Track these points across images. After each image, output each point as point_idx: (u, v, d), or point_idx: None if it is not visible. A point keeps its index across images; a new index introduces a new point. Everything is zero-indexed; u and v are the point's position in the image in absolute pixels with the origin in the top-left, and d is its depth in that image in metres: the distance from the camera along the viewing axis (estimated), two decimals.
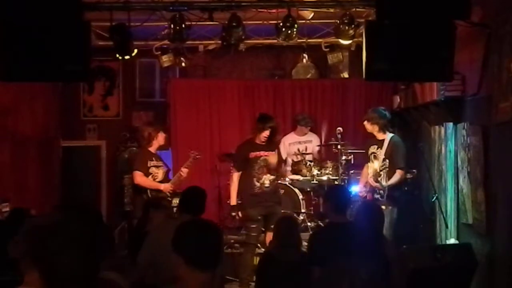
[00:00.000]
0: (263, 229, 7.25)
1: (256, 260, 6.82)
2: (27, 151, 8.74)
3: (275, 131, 7.33)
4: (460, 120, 6.49)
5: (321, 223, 8.06)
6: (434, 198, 6.97)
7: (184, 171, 7.70)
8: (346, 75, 10.30)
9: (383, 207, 6.29)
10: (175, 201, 7.17)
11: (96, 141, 10.54)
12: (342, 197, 5.42)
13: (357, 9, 6.91)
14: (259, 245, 7.40)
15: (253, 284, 6.37)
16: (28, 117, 8.79)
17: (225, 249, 7.68)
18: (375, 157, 7.21)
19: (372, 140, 7.39)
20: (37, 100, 9.04)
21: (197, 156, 7.86)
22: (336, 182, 8.31)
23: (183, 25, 6.76)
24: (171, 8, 6.67)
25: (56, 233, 2.15)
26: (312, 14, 7.49)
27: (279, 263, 5.06)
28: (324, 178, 8.49)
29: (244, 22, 6.96)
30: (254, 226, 7.17)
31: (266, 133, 7.15)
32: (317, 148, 9.10)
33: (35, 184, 8.84)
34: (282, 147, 8.67)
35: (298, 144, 9.06)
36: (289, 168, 8.94)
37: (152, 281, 4.84)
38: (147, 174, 7.51)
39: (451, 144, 6.77)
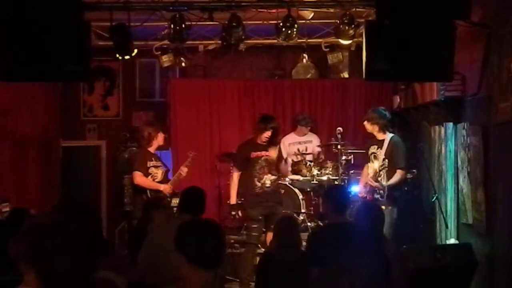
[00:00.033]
0: (264, 229, 7.25)
1: (257, 260, 6.82)
2: (27, 151, 8.74)
3: (277, 132, 7.35)
4: (460, 120, 6.49)
5: (321, 223, 8.06)
6: (434, 198, 6.97)
7: (184, 170, 7.72)
8: (346, 75, 10.30)
9: (383, 207, 6.28)
10: (175, 201, 7.17)
11: (96, 141, 10.54)
12: (342, 197, 5.42)
13: (357, 9, 6.91)
14: (259, 245, 7.41)
15: (253, 284, 6.37)
16: (28, 117, 8.80)
17: None
18: (375, 157, 7.21)
19: (372, 140, 7.38)
20: (37, 100, 9.04)
21: (195, 155, 7.89)
22: (336, 182, 8.31)
23: (183, 25, 6.76)
24: (171, 8, 6.67)
25: (53, 233, 2.15)
26: (312, 14, 7.49)
27: (279, 263, 5.06)
28: (324, 178, 8.49)
29: (244, 22, 6.96)
30: (255, 226, 7.18)
31: (267, 133, 7.15)
32: (317, 149, 9.08)
33: (35, 184, 8.84)
34: (282, 147, 8.64)
35: (298, 144, 9.06)
36: (289, 168, 8.93)
37: (152, 281, 4.84)
38: (146, 174, 7.51)
39: (451, 144, 6.77)
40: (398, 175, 7.08)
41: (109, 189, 10.40)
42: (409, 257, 5.35)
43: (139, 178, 7.46)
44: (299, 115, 9.35)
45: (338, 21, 6.96)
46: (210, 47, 9.16)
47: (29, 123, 8.84)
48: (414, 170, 7.59)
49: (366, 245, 4.46)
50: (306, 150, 8.97)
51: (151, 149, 7.66)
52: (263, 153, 7.22)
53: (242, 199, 7.52)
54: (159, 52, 8.74)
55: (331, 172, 8.51)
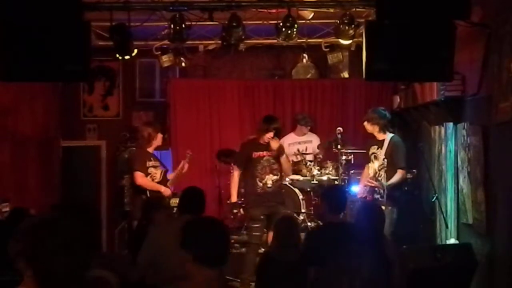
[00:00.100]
0: (265, 229, 7.25)
1: None
2: (27, 151, 8.74)
3: (279, 133, 7.36)
4: (460, 120, 6.49)
5: (321, 223, 8.06)
6: (434, 198, 6.97)
7: (185, 166, 7.73)
8: (346, 75, 10.30)
9: (383, 207, 6.28)
10: (174, 201, 7.17)
11: (96, 141, 10.54)
12: (338, 198, 5.43)
13: (357, 9, 6.90)
14: (260, 245, 7.40)
15: (253, 284, 6.37)
16: (28, 117, 8.79)
17: None
18: (376, 158, 7.20)
19: (373, 140, 7.38)
20: (37, 100, 9.04)
21: (191, 155, 7.91)
22: (336, 182, 8.32)
23: (183, 25, 6.75)
24: (171, 8, 6.66)
25: (53, 232, 2.15)
26: (312, 14, 7.48)
27: (279, 263, 5.06)
28: (324, 178, 8.50)
29: (244, 22, 6.96)
30: (256, 225, 7.18)
31: (270, 134, 7.15)
32: (317, 150, 9.06)
33: (35, 184, 8.84)
34: None
35: (298, 144, 9.06)
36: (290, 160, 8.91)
37: (152, 281, 4.84)
38: (146, 174, 7.50)
39: (451, 144, 6.77)
40: (398, 175, 7.08)
41: (109, 189, 10.40)
42: (409, 257, 5.35)
43: (140, 179, 7.44)
44: (299, 115, 9.36)
45: (338, 21, 6.96)
46: (210, 47, 9.16)
47: (29, 123, 8.84)
48: (414, 170, 7.60)
49: (366, 245, 4.46)
50: (306, 150, 8.97)
51: (150, 149, 7.65)
52: (265, 153, 7.22)
53: (243, 199, 7.51)
54: (159, 52, 8.74)
55: (331, 172, 8.51)
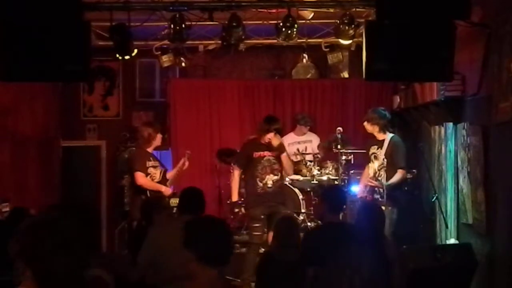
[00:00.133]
0: (266, 229, 7.25)
1: None
2: (27, 151, 8.74)
3: (280, 133, 7.36)
4: (460, 120, 6.49)
5: (321, 223, 8.06)
6: (434, 198, 6.97)
7: (186, 163, 7.75)
8: (346, 75, 10.30)
9: (383, 207, 6.28)
10: (174, 201, 7.16)
11: (96, 141, 10.54)
12: (337, 198, 5.43)
13: (357, 9, 6.91)
14: (261, 245, 7.40)
15: (254, 284, 6.37)
16: (28, 117, 8.80)
17: None
18: (376, 158, 7.20)
19: (373, 140, 7.38)
20: (37, 100, 9.05)
21: (190, 155, 7.91)
22: (336, 182, 8.31)
23: (183, 25, 6.76)
24: (171, 8, 6.66)
25: (53, 232, 2.15)
26: (312, 14, 7.49)
27: (279, 263, 5.06)
28: (324, 178, 8.50)
29: (244, 22, 6.96)
30: (257, 225, 7.18)
31: (271, 134, 7.16)
32: (317, 150, 9.06)
33: (35, 184, 8.84)
34: None
35: (298, 144, 9.06)
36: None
37: (152, 281, 4.84)
38: (146, 174, 7.50)
39: (451, 144, 6.77)
40: (398, 175, 7.07)
41: (109, 189, 10.40)
42: (409, 257, 5.35)
43: (141, 179, 7.42)
44: (298, 115, 9.37)
45: (338, 21, 6.96)
46: (210, 47, 9.16)
47: (29, 123, 8.84)
48: (414, 170, 7.60)
49: (366, 245, 4.46)
50: (306, 150, 8.97)
51: (150, 149, 7.65)
52: (266, 153, 7.22)
53: (243, 199, 7.51)
54: (159, 52, 8.74)
55: (331, 172, 8.51)
